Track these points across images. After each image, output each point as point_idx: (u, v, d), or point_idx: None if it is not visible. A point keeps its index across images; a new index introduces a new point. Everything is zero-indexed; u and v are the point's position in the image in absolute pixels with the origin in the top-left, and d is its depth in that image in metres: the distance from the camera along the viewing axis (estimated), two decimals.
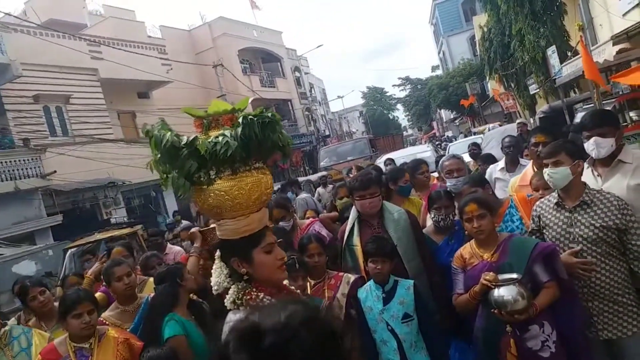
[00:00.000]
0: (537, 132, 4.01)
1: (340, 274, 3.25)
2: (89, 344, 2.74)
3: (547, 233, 2.83)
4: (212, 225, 3.60)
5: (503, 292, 2.58)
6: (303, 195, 8.03)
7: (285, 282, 2.04)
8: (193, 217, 13.89)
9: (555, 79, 13.01)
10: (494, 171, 4.78)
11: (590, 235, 2.67)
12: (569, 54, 13.81)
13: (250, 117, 1.76)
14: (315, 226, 4.24)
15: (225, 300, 1.78)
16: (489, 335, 2.75)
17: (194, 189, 1.82)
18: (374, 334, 2.95)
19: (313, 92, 41.41)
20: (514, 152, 4.71)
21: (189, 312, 3.07)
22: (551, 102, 13.07)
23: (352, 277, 3.13)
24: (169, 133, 1.76)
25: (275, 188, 10.48)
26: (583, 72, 6.94)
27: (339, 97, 58.26)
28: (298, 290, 2.11)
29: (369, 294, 3.02)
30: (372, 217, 3.40)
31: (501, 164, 4.89)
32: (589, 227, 2.68)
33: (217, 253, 1.88)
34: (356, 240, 3.34)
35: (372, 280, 3.05)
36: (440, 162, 4.26)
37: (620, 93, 7.80)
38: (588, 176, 2.93)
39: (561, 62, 13.25)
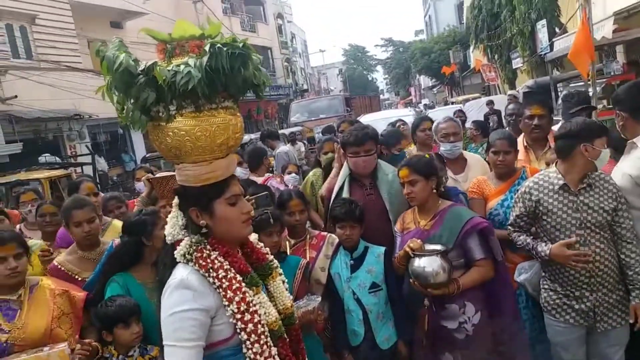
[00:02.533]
0: (534, 104, 3.65)
1: (323, 233, 3.08)
2: (18, 295, 2.30)
3: (549, 220, 2.59)
4: (162, 174, 3.20)
5: (423, 263, 2.47)
6: (284, 147, 7.66)
7: (254, 238, 1.86)
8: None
9: (542, 54, 12.92)
10: None
11: (600, 220, 2.50)
12: (558, 30, 13.71)
13: (218, 45, 1.49)
14: (272, 182, 4.03)
15: (175, 252, 1.61)
16: (410, 304, 2.70)
17: (151, 125, 1.58)
18: (342, 301, 2.81)
19: (294, 42, 40.29)
20: (518, 122, 4.49)
21: (156, 271, 2.64)
22: (535, 78, 13.01)
23: (336, 238, 2.96)
24: (124, 55, 1.49)
25: (253, 136, 10.09)
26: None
27: (320, 50, 57.09)
28: (268, 249, 1.91)
29: (338, 259, 2.87)
30: (365, 176, 3.17)
31: None
32: (598, 210, 2.50)
33: (175, 200, 1.69)
34: None
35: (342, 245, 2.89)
36: (435, 125, 4.01)
37: (612, 74, 7.71)
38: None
39: (549, 39, 13.15)
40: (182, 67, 1.48)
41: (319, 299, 2.54)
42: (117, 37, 1.60)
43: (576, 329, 2.61)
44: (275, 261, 1.88)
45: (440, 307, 2.58)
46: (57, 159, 12.75)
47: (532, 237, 2.69)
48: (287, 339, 1.71)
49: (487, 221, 2.74)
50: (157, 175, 3.27)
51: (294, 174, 4.98)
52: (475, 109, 13.05)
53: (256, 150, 4.79)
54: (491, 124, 9.50)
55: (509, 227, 2.77)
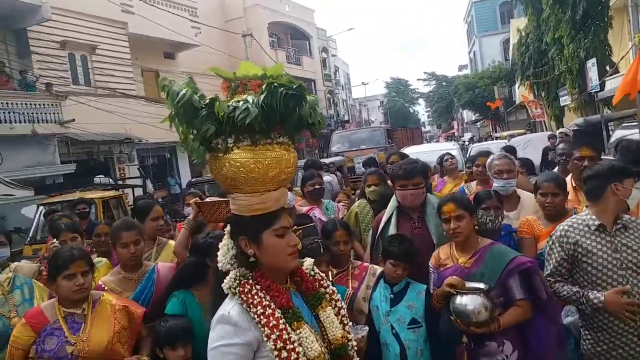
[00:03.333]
0: (583, 146, 3.62)
1: (365, 264, 3.12)
2: (82, 309, 2.44)
3: (590, 261, 2.54)
4: (211, 199, 3.36)
5: (465, 301, 2.45)
6: (327, 177, 7.76)
7: (308, 265, 1.87)
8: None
9: (592, 92, 12.63)
10: None
11: None
12: (609, 69, 13.39)
13: (274, 85, 1.58)
14: (315, 212, 4.07)
15: (223, 284, 1.66)
16: (447, 342, 2.65)
17: (210, 155, 1.67)
18: (378, 334, 2.77)
19: (338, 75, 40.95)
20: (567, 161, 4.38)
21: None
22: (585, 116, 12.66)
23: (378, 269, 2.97)
24: (187, 89, 1.60)
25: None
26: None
27: (363, 83, 57.78)
28: (324, 275, 1.92)
29: (377, 291, 2.85)
30: (413, 209, 3.18)
31: None
32: (637, 250, 2.45)
33: (227, 228, 1.74)
34: (392, 232, 3.13)
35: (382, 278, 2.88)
36: (489, 160, 3.97)
37: None
38: None
39: (599, 77, 12.86)
40: (241, 103, 1.58)
41: (367, 328, 2.55)
42: (186, 74, 1.72)
43: None
44: (331, 289, 1.88)
45: (479, 344, 2.54)
46: (111, 180, 13.29)
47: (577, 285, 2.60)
48: None
49: (532, 260, 2.68)
50: (206, 200, 3.37)
51: (343, 203, 5.01)
52: (521, 145, 12.72)
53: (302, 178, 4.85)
54: (550, 158, 9.14)
55: (549, 279, 2.67)
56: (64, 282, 2.40)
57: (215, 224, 3.22)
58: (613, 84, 9.27)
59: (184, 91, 1.59)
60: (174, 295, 2.66)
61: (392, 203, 3.29)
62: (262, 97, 1.58)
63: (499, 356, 2.53)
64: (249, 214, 1.65)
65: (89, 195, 8.54)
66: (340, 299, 1.90)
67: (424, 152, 10.78)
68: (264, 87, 1.60)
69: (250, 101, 1.57)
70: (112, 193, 9.50)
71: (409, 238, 2.92)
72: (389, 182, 4.04)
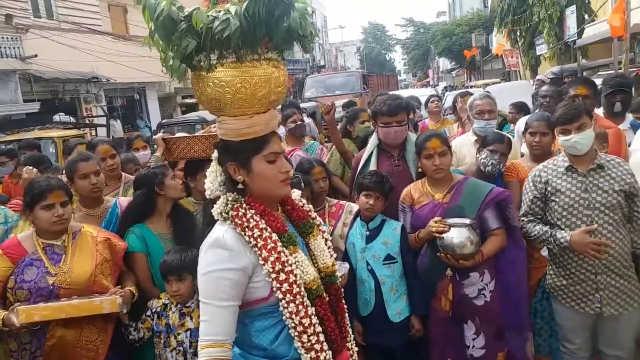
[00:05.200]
0: (579, 84, 3.56)
1: (342, 202, 3.11)
2: (62, 241, 2.36)
3: (558, 200, 2.58)
4: (178, 135, 3.26)
5: (453, 235, 2.51)
6: (307, 119, 7.64)
7: (297, 196, 1.81)
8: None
9: (569, 41, 12.62)
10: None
11: (610, 201, 2.47)
12: (587, 17, 13.37)
13: None
14: (299, 152, 4.02)
15: (212, 210, 1.59)
16: (428, 277, 2.72)
17: (192, 74, 1.54)
18: (354, 271, 2.79)
19: (314, 17, 39.71)
20: (551, 104, 4.35)
21: (171, 222, 2.70)
22: (561, 65, 12.71)
23: (355, 207, 2.95)
24: (166, 1, 1.44)
25: None
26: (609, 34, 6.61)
27: (340, 26, 56.18)
28: (311, 207, 1.87)
29: (354, 229, 2.86)
30: (394, 147, 3.13)
31: None
32: (607, 191, 2.47)
33: (214, 154, 1.65)
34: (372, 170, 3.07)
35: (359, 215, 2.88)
36: (470, 100, 3.92)
37: None
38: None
39: (577, 26, 12.84)
40: (221, 13, 1.43)
41: (347, 265, 2.58)
42: None
43: (581, 314, 2.60)
44: (318, 219, 1.83)
45: (464, 276, 2.62)
46: (72, 118, 12.73)
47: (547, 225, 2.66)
48: (327, 298, 1.68)
49: (507, 190, 2.77)
50: (175, 136, 3.29)
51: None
52: (495, 94, 12.70)
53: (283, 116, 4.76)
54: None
55: (522, 219, 2.72)
56: (41, 213, 2.29)
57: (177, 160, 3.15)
58: (591, 32, 9.25)
59: (162, 4, 1.43)
60: (130, 231, 2.61)
61: (373, 141, 3.23)
62: (244, 5, 1.42)
63: (479, 285, 2.63)
64: (237, 138, 1.55)
65: (49, 133, 8.08)
66: (326, 230, 1.87)
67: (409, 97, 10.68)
68: None
69: (233, 12, 1.42)
70: (73, 132, 9.06)
71: (385, 175, 2.90)
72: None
